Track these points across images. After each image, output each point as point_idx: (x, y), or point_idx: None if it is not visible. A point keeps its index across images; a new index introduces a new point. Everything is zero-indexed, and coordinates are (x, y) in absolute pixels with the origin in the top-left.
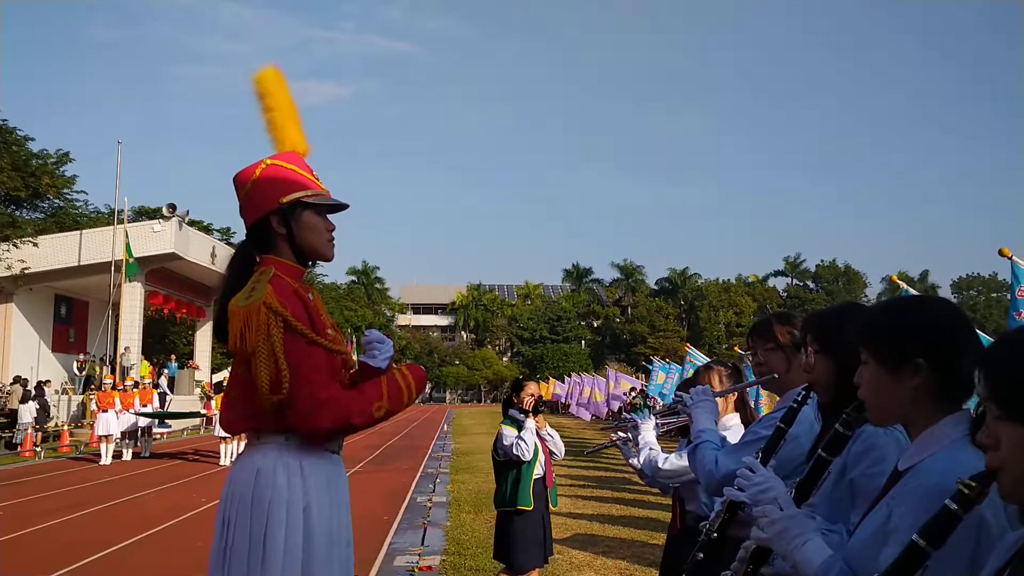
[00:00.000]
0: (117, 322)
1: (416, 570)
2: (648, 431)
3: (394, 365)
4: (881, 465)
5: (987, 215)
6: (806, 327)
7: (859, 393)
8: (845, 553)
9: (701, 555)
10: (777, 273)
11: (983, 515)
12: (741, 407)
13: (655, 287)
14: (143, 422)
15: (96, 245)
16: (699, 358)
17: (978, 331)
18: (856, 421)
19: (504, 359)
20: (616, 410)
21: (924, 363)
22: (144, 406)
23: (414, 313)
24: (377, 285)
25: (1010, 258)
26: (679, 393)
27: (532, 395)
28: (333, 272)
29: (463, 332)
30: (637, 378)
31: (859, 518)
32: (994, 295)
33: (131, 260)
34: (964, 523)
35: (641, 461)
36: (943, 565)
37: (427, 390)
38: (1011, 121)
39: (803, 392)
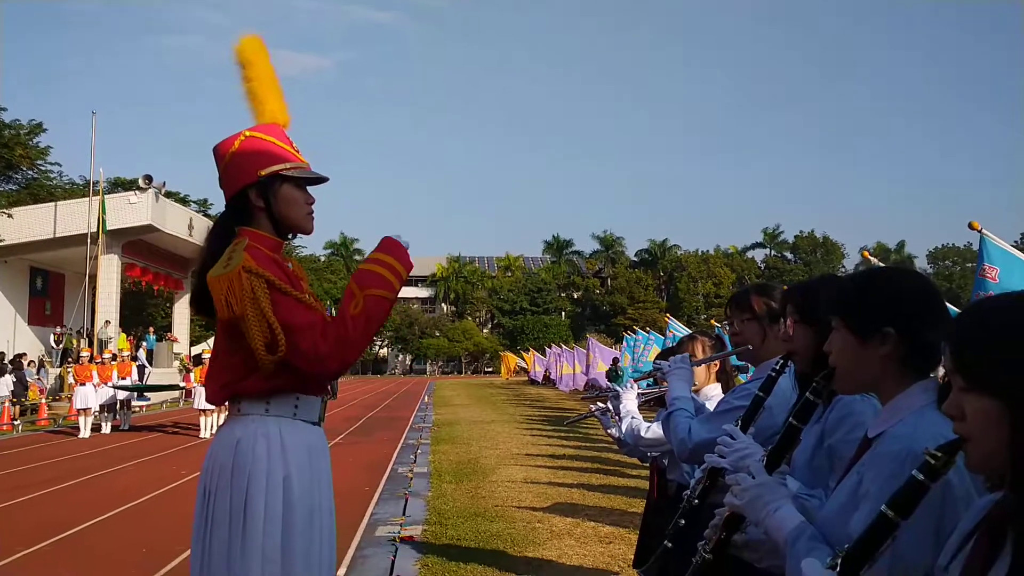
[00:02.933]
0: (94, 295)
1: (397, 540)
2: (630, 400)
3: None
4: (858, 431)
5: (964, 186)
6: (787, 297)
7: (829, 361)
8: (819, 519)
9: (683, 522)
10: (755, 245)
11: (948, 479)
12: (723, 377)
13: (635, 258)
14: (122, 395)
15: (71, 217)
16: (679, 329)
17: (949, 304)
18: (826, 389)
19: (484, 331)
20: (586, 383)
21: (893, 332)
22: (123, 379)
23: None
24: (356, 257)
25: (979, 231)
26: (658, 361)
27: None
28: (312, 245)
29: (443, 304)
30: (616, 349)
31: (836, 483)
32: (969, 265)
33: (103, 215)
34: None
35: (624, 430)
36: (910, 528)
37: (407, 362)
38: (989, 94)
39: (781, 361)
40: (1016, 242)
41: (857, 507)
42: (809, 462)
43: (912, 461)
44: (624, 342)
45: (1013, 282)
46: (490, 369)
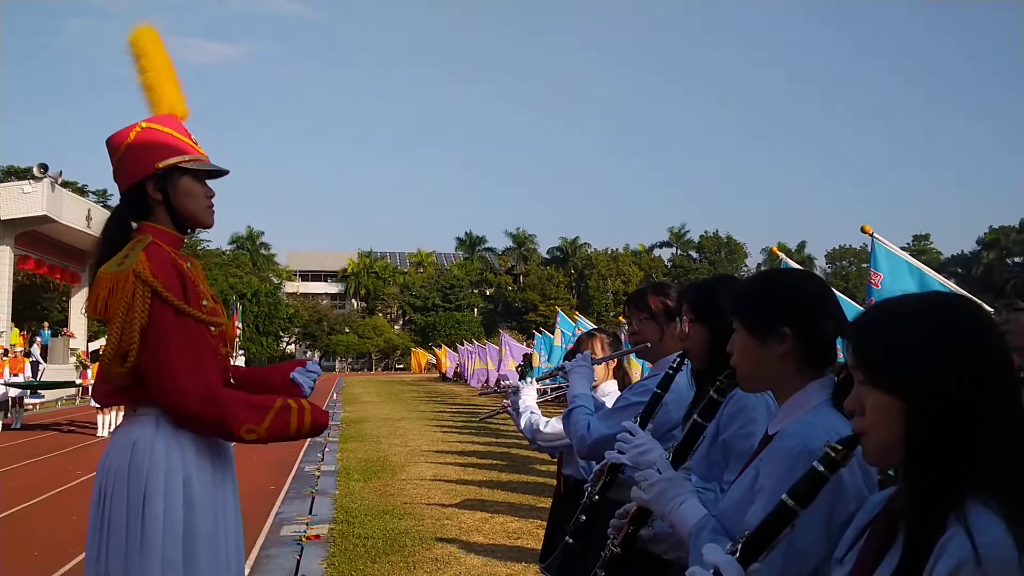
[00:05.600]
0: None
1: (303, 539)
2: (529, 396)
3: (302, 401)
4: (752, 426)
5: (862, 188)
6: (682, 297)
7: (731, 361)
8: (718, 513)
9: (583, 517)
10: (663, 243)
11: (840, 475)
12: (619, 374)
13: (547, 256)
14: (14, 392)
15: None
16: (588, 326)
17: (848, 300)
18: (729, 388)
19: (396, 327)
20: (496, 379)
21: (789, 331)
22: (15, 376)
23: (302, 280)
24: (263, 251)
25: (871, 235)
26: (563, 362)
27: None
28: (218, 239)
29: (353, 300)
30: (528, 345)
31: (733, 477)
32: (864, 266)
33: None
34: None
35: (523, 424)
36: (804, 519)
37: (316, 358)
38: (889, 94)
39: (678, 359)
40: (909, 243)
41: (753, 501)
42: (705, 456)
43: (807, 457)
44: (536, 339)
45: (898, 287)
46: (401, 366)
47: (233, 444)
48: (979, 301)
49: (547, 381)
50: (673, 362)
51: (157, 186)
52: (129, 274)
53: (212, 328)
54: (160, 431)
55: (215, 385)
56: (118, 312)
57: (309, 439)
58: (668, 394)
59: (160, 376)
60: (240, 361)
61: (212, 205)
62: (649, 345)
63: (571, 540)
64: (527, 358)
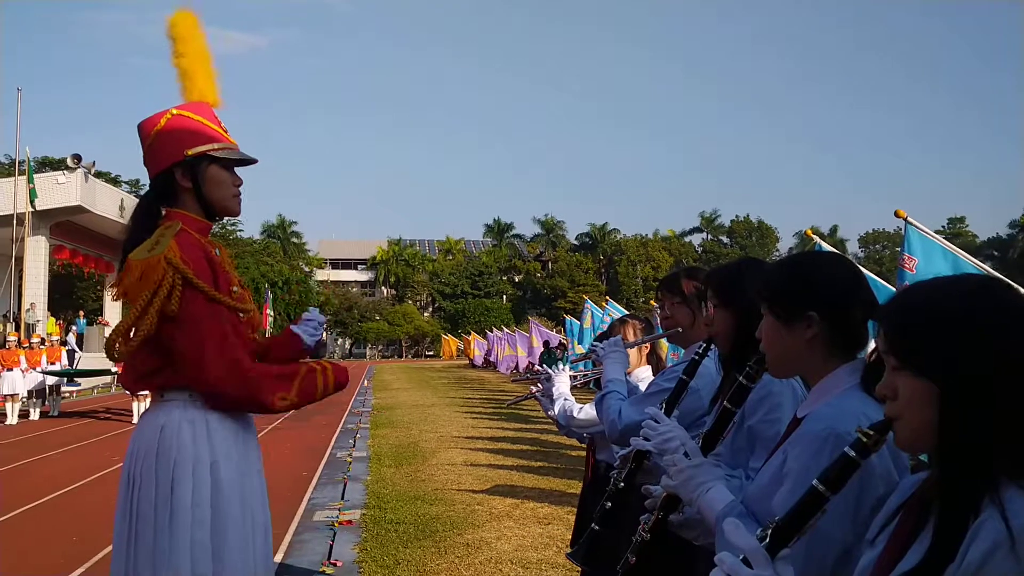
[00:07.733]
0: (20, 278)
1: (336, 524)
2: (562, 382)
3: (323, 362)
4: (777, 412)
5: (895, 172)
6: (707, 282)
7: (761, 347)
8: (745, 498)
9: (609, 504)
10: (693, 229)
11: (869, 459)
12: (653, 360)
13: (575, 242)
14: (51, 380)
15: None
16: (618, 312)
17: (883, 283)
18: (759, 374)
19: (425, 314)
20: (527, 365)
21: (816, 316)
22: (52, 364)
23: (333, 268)
24: (294, 240)
25: (905, 219)
26: (594, 344)
27: None
28: (249, 228)
29: (383, 287)
30: (557, 332)
31: (759, 463)
32: (898, 249)
33: (31, 186)
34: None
35: (557, 411)
36: (830, 504)
37: (347, 346)
38: (923, 79)
39: (704, 345)
40: (944, 226)
41: (781, 484)
42: (730, 443)
43: (834, 441)
44: (565, 325)
45: (932, 271)
46: (431, 353)
47: (256, 430)
48: (1014, 284)
49: (579, 366)
50: (699, 348)
51: (186, 173)
52: (160, 260)
53: (240, 315)
54: (187, 416)
55: (244, 364)
56: (142, 294)
57: (340, 427)
58: (698, 380)
59: (193, 360)
60: None
61: (239, 194)
62: (681, 330)
63: (597, 527)
64: (547, 346)
